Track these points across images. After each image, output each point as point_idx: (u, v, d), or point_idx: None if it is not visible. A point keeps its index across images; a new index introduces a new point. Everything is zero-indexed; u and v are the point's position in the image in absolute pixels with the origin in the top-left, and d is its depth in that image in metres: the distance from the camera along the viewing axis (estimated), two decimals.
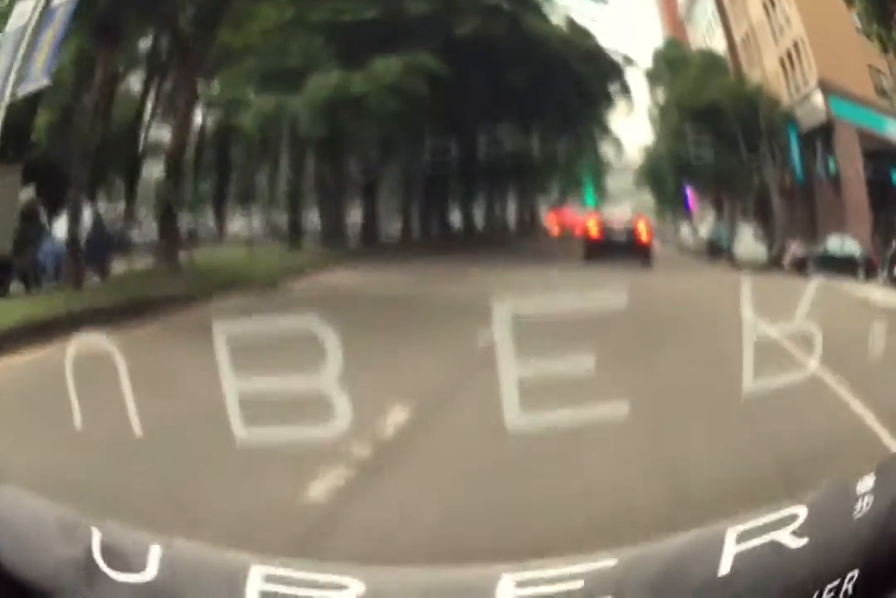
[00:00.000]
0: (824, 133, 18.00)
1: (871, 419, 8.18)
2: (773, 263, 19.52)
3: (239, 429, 5.83)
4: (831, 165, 16.10)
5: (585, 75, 21.89)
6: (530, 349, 6.65)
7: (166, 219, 18.23)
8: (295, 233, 21.37)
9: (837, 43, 15.92)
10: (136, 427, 5.91)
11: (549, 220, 27.92)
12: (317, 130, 19.18)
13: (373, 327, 8.06)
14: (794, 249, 19.85)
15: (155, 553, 3.95)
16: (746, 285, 6.81)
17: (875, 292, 13.66)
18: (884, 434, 7.67)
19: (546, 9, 20.64)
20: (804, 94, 18.59)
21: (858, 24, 15.62)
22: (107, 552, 3.95)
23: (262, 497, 7.13)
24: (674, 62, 21.90)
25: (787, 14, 16.92)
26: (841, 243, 17.10)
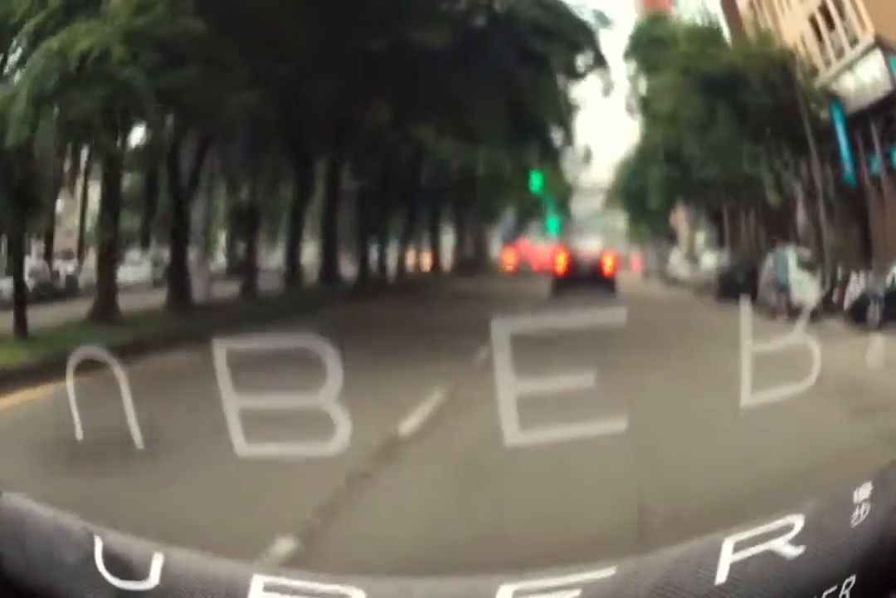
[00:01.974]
0: (882, 112, 13.49)
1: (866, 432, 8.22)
2: (825, 305, 14.38)
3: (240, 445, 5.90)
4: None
5: (539, 29, 15.86)
6: (528, 368, 6.71)
7: None
8: (19, 315, 13.92)
9: None
10: None
11: (504, 254, 25.06)
12: (18, 135, 12.33)
13: None
14: (854, 285, 14.50)
15: (157, 561, 3.99)
16: (745, 303, 6.87)
17: None
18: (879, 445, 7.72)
19: None
20: (849, 60, 13.80)
21: None
22: (109, 559, 3.99)
23: (265, 508, 7.20)
24: (660, 40, 17.81)
25: None
26: None
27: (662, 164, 22.54)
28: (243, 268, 25.54)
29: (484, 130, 20.83)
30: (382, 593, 4.04)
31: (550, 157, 24.37)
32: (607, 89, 20.35)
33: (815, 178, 18.05)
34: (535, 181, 25.81)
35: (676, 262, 26.56)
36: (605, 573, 4.05)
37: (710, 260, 23.80)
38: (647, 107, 22.84)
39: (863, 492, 3.99)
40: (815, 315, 14.52)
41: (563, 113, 22.64)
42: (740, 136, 18.57)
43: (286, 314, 19.45)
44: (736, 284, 19.28)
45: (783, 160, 18.75)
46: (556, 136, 24.58)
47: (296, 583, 4.02)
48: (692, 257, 26.49)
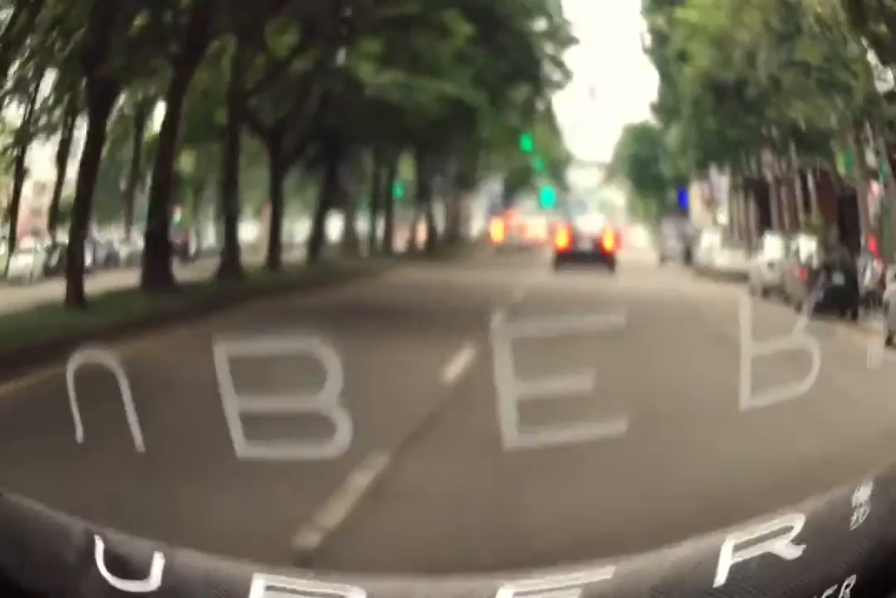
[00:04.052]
0: None
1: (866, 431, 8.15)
2: None
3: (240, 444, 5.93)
4: None
5: None
6: (528, 369, 6.73)
7: None
8: None
9: None
10: None
11: (492, 228, 21.00)
12: None
13: None
14: None
15: (158, 562, 4.00)
16: (744, 300, 6.87)
17: None
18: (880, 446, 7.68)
19: None
20: None
21: None
22: (110, 560, 4.00)
23: (266, 510, 7.22)
24: None
25: None
26: None
27: (699, 108, 17.29)
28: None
29: (443, 57, 15.67)
30: (383, 593, 4.06)
31: (540, 100, 19.34)
32: None
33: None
34: (526, 139, 21.01)
35: (710, 246, 19.72)
36: (605, 573, 4.06)
37: (777, 250, 16.43)
38: (671, 38, 17.39)
39: (863, 493, 4.00)
40: None
41: (556, 37, 17.55)
42: (838, 60, 13.06)
43: None
44: (836, 292, 13.40)
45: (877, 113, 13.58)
46: (547, 79, 19.59)
47: (297, 583, 4.04)
48: (733, 243, 19.36)
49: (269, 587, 4.01)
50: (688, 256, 20.83)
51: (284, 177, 18.50)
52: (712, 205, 21.12)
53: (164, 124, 17.30)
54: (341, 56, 16.90)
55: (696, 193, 21.64)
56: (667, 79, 17.72)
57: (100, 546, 4.03)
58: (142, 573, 3.99)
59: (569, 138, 20.55)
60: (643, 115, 20.82)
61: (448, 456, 8.80)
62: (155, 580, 3.99)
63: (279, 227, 18.99)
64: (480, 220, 23.26)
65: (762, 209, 18.46)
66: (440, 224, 22.83)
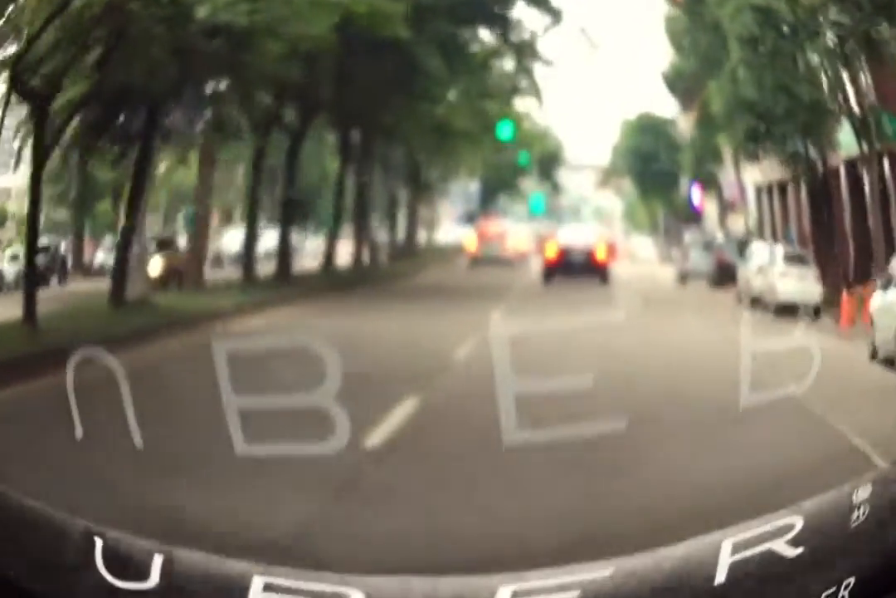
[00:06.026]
0: None
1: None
2: None
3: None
4: None
5: None
6: (527, 367, 6.74)
7: None
8: None
9: None
10: None
11: (467, 233, 18.37)
12: None
13: None
14: None
15: (157, 562, 4.00)
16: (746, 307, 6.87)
17: None
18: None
19: None
20: None
21: None
22: (109, 559, 4.00)
23: (265, 508, 7.22)
24: None
25: None
26: None
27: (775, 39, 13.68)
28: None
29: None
30: (381, 592, 4.06)
31: (519, 56, 14.41)
32: None
33: None
34: (505, 124, 15.36)
35: (767, 265, 13.98)
36: (604, 573, 4.06)
37: None
38: None
39: (862, 493, 4.00)
40: None
41: None
42: None
43: None
44: None
45: None
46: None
47: (295, 583, 4.04)
48: (804, 260, 13.49)
49: (268, 587, 4.02)
50: (723, 276, 15.85)
51: (45, 162, 12.89)
52: (741, 206, 17.13)
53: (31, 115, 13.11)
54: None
55: (710, 195, 18.27)
56: (697, 23, 13.88)
57: (99, 546, 4.03)
58: (141, 572, 3.99)
59: (560, 121, 16.61)
60: (650, 93, 17.61)
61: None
62: (154, 579, 3.99)
63: (34, 249, 13.59)
64: (451, 227, 18.81)
65: (816, 211, 14.12)
66: (398, 233, 18.02)
